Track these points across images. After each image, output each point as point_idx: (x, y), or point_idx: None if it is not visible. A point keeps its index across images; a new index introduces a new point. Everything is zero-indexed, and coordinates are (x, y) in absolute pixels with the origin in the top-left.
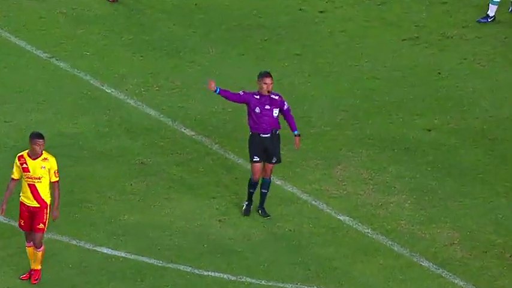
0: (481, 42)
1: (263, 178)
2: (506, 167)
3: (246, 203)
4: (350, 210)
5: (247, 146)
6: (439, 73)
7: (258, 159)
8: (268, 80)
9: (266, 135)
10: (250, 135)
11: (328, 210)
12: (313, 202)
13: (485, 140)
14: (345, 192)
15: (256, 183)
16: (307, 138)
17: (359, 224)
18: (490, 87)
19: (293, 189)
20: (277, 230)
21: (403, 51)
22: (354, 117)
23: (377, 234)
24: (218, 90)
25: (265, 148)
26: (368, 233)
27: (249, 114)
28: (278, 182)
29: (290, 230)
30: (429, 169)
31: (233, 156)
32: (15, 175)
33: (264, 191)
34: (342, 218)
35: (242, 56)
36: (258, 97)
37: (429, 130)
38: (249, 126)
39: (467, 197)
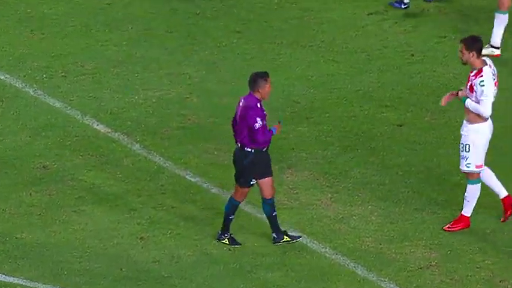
0: (463, 17)
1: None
2: (495, 171)
3: (227, 234)
4: (303, 224)
5: (251, 166)
6: (413, 55)
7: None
8: None
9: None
10: (262, 152)
11: None
12: (258, 215)
13: None
14: (297, 202)
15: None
16: None
17: (315, 241)
18: None
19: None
20: (213, 250)
21: (368, 28)
22: (309, 109)
23: (337, 254)
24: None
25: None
26: (326, 252)
27: (256, 131)
28: (214, 190)
29: (229, 250)
30: (401, 173)
31: (159, 159)
32: None
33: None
34: (293, 234)
35: (170, 34)
36: (260, 105)
37: (400, 125)
38: (249, 144)
39: (448, 208)
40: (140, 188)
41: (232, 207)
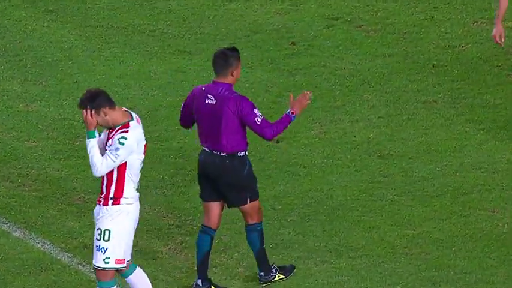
0: None
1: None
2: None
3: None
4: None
5: (250, 177)
6: (293, 44)
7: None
8: None
9: None
10: (247, 157)
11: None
12: (80, 267)
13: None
14: (135, 249)
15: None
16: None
17: None
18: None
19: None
20: None
21: (231, 7)
22: (151, 119)
23: None
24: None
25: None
26: None
27: (241, 129)
28: (17, 233)
29: None
30: (279, 207)
31: None
32: None
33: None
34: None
35: None
36: None
37: (278, 142)
38: (237, 146)
39: (343, 255)
40: None
41: (257, 237)
